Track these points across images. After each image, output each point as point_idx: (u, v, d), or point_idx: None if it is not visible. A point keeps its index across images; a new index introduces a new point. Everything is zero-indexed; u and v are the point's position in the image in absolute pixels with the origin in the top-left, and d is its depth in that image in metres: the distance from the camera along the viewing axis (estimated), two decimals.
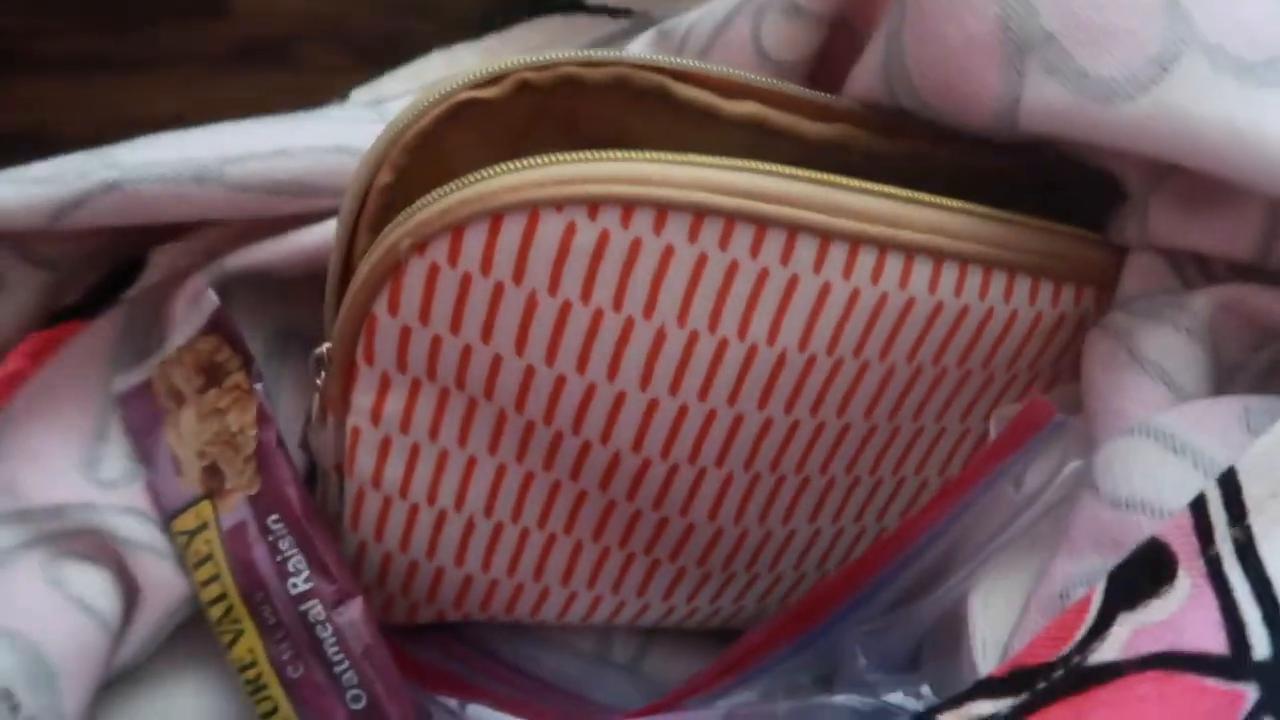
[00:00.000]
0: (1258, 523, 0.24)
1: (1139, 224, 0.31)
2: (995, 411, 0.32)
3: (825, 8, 0.32)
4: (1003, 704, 0.24)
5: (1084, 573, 0.26)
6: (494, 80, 0.29)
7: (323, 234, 0.35)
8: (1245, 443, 0.26)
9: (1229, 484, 0.24)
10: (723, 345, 0.29)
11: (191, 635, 0.34)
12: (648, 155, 0.28)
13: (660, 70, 0.30)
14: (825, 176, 0.29)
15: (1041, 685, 0.24)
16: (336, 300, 0.31)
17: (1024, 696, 0.24)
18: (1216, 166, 0.27)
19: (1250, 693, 0.22)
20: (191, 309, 0.35)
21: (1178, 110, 0.27)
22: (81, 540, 0.32)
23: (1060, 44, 0.28)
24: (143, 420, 0.34)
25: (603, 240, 0.28)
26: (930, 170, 0.31)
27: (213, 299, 0.34)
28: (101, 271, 0.36)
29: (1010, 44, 0.28)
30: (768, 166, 0.28)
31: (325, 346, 0.31)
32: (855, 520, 0.35)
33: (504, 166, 0.28)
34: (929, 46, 0.29)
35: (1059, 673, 0.24)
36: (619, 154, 0.28)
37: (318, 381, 0.32)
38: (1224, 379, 0.29)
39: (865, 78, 0.31)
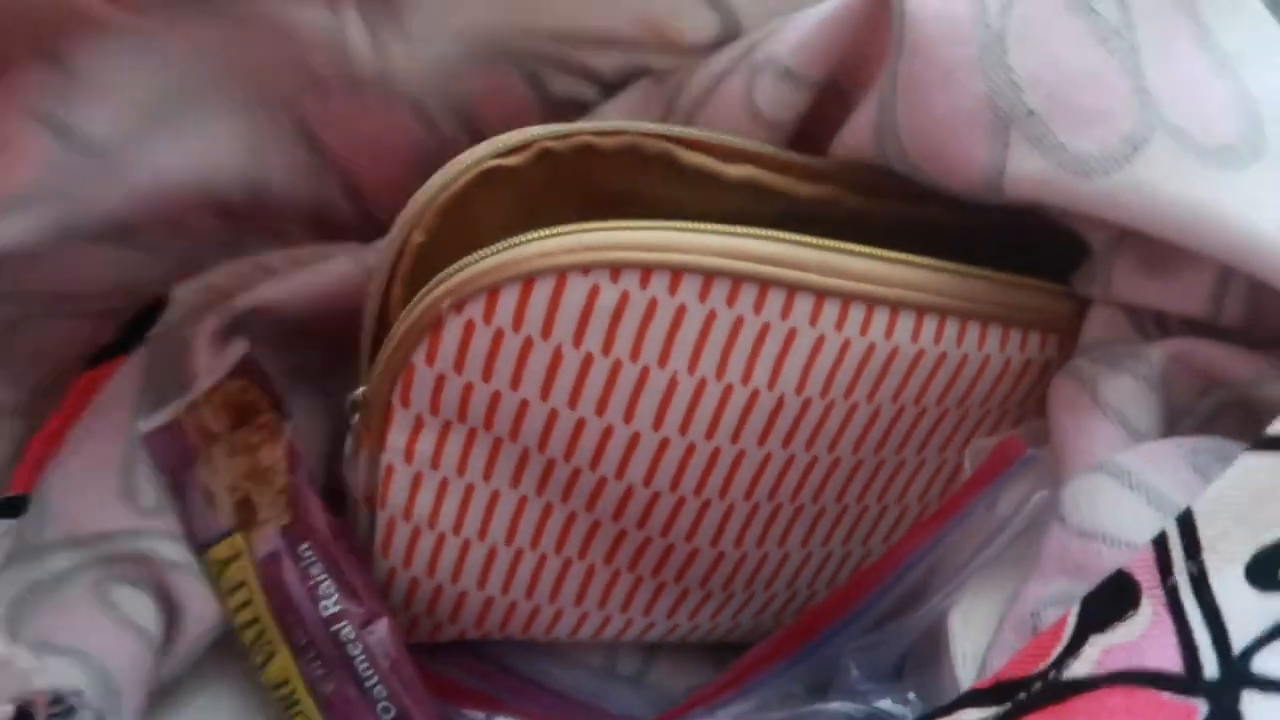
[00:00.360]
0: (1210, 560, 0.27)
1: (1102, 281, 0.34)
2: (970, 445, 0.35)
3: (818, 73, 0.35)
4: (987, 712, 0.27)
5: (1053, 595, 0.30)
6: (517, 149, 0.32)
7: (327, 275, 0.38)
8: (1192, 480, 0.29)
9: (1186, 524, 0.27)
10: (728, 390, 0.32)
11: (224, 653, 0.36)
12: (664, 224, 0.31)
13: (667, 138, 0.32)
14: (821, 241, 0.32)
15: (1022, 696, 0.27)
16: (373, 348, 0.34)
17: (1007, 706, 0.27)
18: (1179, 238, 0.30)
19: (1201, 707, 0.25)
20: (219, 353, 0.37)
21: (1147, 187, 0.30)
22: (128, 564, 0.35)
23: (1042, 120, 0.31)
24: (171, 458, 0.37)
25: (623, 300, 0.31)
26: (910, 226, 0.34)
27: (242, 344, 0.37)
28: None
29: (996, 118, 0.31)
30: (770, 233, 0.31)
31: (360, 390, 0.34)
32: (843, 543, 0.38)
33: (535, 234, 0.31)
34: (920, 115, 0.32)
35: (1038, 686, 0.27)
36: (640, 223, 0.31)
37: (351, 422, 0.34)
38: (1173, 421, 0.32)
39: (857, 137, 0.34)
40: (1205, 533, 0.27)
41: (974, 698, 0.28)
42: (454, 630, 0.38)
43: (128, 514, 0.35)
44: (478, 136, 0.34)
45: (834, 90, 0.36)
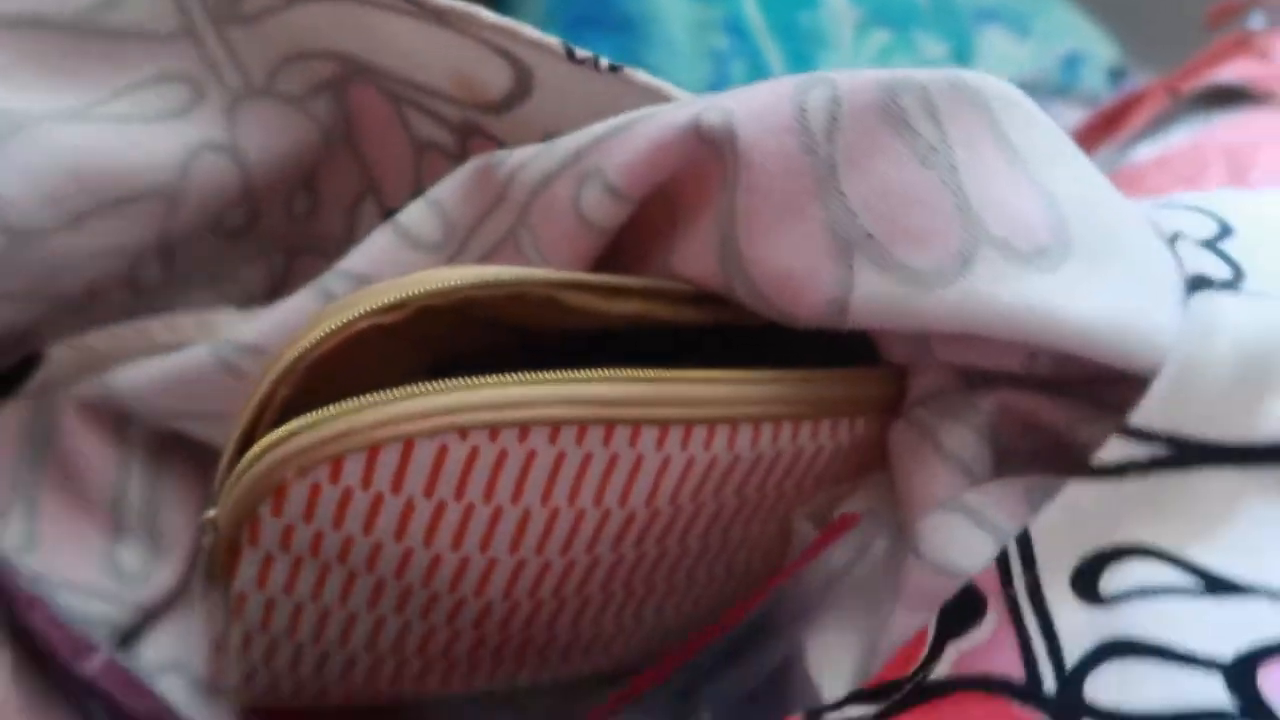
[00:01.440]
0: (1043, 573, 0.30)
1: (923, 348, 0.36)
2: (796, 512, 0.39)
3: (642, 192, 0.36)
4: (870, 709, 0.30)
5: (919, 625, 0.32)
6: (396, 307, 0.33)
7: (181, 366, 0.40)
8: (1028, 516, 0.32)
9: (1023, 541, 0.31)
10: (581, 514, 0.35)
11: None
12: (510, 380, 0.32)
13: (552, 284, 0.34)
14: (660, 374, 0.34)
15: (896, 696, 0.30)
16: (226, 476, 0.34)
17: (883, 705, 0.30)
18: (1017, 337, 0.33)
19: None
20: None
21: (984, 296, 0.32)
22: None
23: (880, 242, 0.33)
24: None
25: (472, 455, 0.32)
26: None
27: None
28: None
29: (838, 244, 0.33)
30: (611, 374, 0.33)
31: (212, 513, 0.34)
32: (687, 611, 0.41)
33: (380, 398, 0.32)
34: (763, 248, 0.34)
35: (909, 686, 0.30)
36: (486, 381, 0.32)
37: (204, 542, 0.35)
38: (1000, 461, 0.35)
39: (700, 266, 0.36)
40: (1039, 548, 0.31)
41: (859, 695, 0.31)
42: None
43: None
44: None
45: (661, 199, 0.37)
